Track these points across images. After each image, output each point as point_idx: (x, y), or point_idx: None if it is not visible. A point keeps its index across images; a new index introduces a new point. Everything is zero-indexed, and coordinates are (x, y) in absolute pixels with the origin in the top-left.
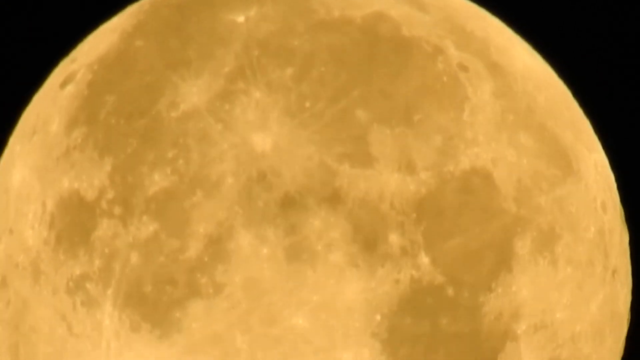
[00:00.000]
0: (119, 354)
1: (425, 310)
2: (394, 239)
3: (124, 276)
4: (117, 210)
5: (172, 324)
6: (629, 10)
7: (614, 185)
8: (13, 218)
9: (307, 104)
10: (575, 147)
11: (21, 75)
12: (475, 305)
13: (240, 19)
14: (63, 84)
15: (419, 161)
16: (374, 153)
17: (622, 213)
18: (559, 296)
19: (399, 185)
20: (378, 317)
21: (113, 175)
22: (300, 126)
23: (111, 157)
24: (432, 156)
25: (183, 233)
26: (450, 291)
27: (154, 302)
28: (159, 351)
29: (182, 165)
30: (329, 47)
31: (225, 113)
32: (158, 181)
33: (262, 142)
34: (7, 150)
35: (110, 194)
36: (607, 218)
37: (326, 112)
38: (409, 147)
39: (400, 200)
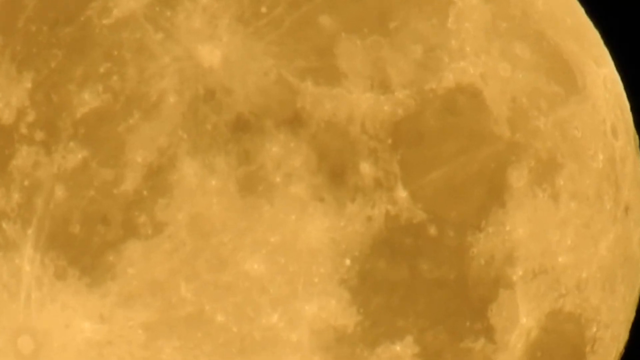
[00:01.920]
0: (41, 305)
1: (403, 252)
2: (365, 168)
3: (48, 213)
4: (40, 135)
5: (105, 269)
6: None
7: (627, 106)
8: None
9: (263, 9)
10: (581, 60)
11: None
12: (461, 246)
13: None
14: None
15: (396, 77)
16: (342, 68)
17: (637, 138)
18: (561, 236)
19: (372, 106)
20: (347, 262)
21: (34, 93)
22: (254, 36)
23: (32, 72)
24: (411, 71)
25: (117, 162)
26: (432, 230)
27: (83, 244)
28: (88, 302)
29: (117, 82)
30: None
31: (167, 20)
32: (88, 101)
33: (209, 54)
34: None
35: (30, 116)
36: (618, 144)
37: (286, 18)
38: (383, 60)
39: (373, 123)
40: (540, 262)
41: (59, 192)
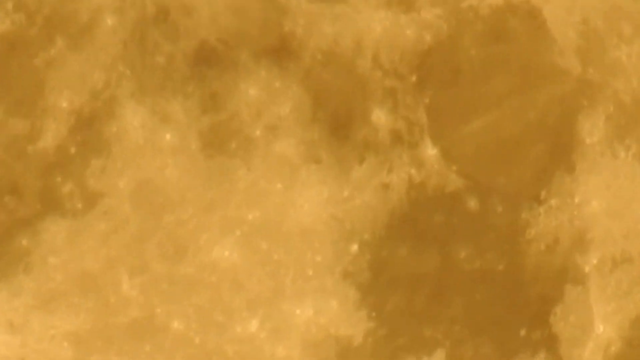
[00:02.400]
0: None
1: (432, 234)
2: (380, 117)
3: None
4: None
5: (15, 258)
6: None
7: None
8: None
9: None
10: None
11: None
12: (514, 226)
13: None
14: None
15: None
16: None
17: None
18: None
19: (389, 30)
20: (354, 248)
21: None
22: None
23: None
24: None
25: (33, 109)
26: (472, 203)
27: None
28: None
29: None
30: None
31: None
32: None
33: None
34: None
35: None
36: None
37: None
38: None
39: (391, 55)
40: (623, 248)
41: None
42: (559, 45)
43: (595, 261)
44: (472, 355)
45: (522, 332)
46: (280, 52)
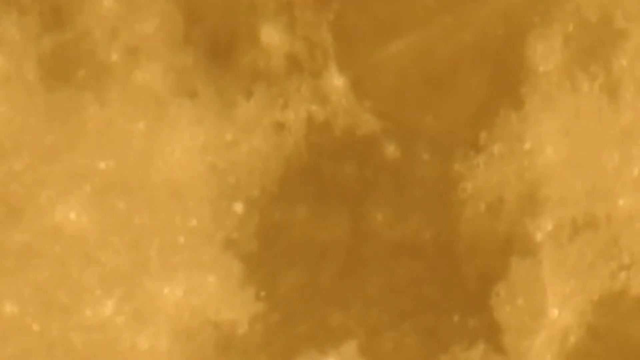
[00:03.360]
0: None
1: (340, 191)
2: (272, 36)
3: None
4: None
5: None
6: None
7: None
8: None
9: None
10: None
11: None
12: (444, 179)
13: None
14: None
15: None
16: None
17: None
18: (622, 161)
19: None
20: (239, 207)
21: None
22: None
23: None
24: None
25: None
26: (391, 149)
27: None
28: None
29: None
30: None
31: None
32: None
33: None
34: None
35: None
36: None
37: None
38: None
39: None
40: (586, 210)
41: None
42: None
43: (550, 227)
44: (392, 347)
45: (456, 319)
46: None
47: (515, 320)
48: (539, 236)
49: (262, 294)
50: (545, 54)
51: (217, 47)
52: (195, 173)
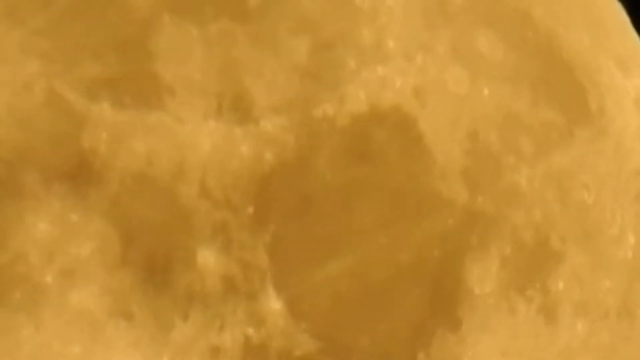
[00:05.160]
0: None
1: None
2: (208, 258)
3: None
4: None
5: None
6: None
7: None
8: None
9: None
10: (595, 63)
11: None
12: None
13: None
14: None
15: (261, 94)
16: (164, 76)
17: None
18: None
19: (220, 146)
20: None
21: None
22: (6, 18)
23: None
24: (289, 83)
25: None
26: None
27: None
28: None
29: None
30: None
31: None
32: None
33: None
34: None
35: None
36: None
37: None
38: (239, 63)
39: (222, 178)
40: None
41: None
42: (439, 166)
43: None
44: None
45: None
46: (78, 175)
47: None
48: None
49: None
50: (482, 275)
51: (153, 269)
52: None
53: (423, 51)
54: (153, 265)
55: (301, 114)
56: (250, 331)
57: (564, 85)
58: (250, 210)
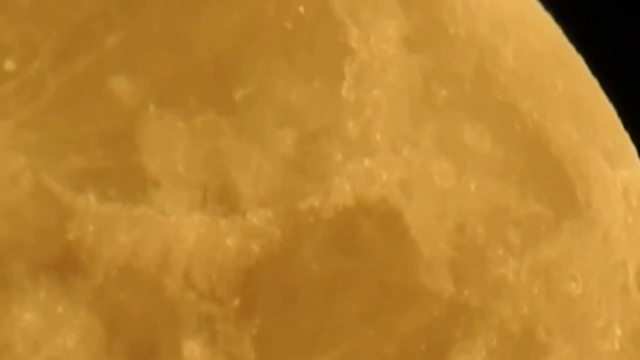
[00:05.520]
0: None
1: None
2: (193, 352)
3: None
4: None
5: None
6: None
7: None
8: None
9: (10, 65)
10: (582, 155)
11: None
12: None
13: None
14: None
15: (247, 186)
16: (150, 168)
17: None
18: None
19: (205, 238)
20: None
21: None
22: None
23: None
24: (275, 176)
25: None
26: None
27: None
28: None
29: None
30: None
31: None
32: None
33: None
34: None
35: None
36: None
37: (50, 81)
38: (224, 156)
39: (208, 271)
40: None
41: None
42: (426, 259)
43: None
44: None
45: None
46: (64, 266)
47: None
48: None
49: None
50: None
51: None
52: None
53: (409, 144)
54: (138, 357)
55: (287, 206)
56: None
57: (552, 178)
58: (236, 302)
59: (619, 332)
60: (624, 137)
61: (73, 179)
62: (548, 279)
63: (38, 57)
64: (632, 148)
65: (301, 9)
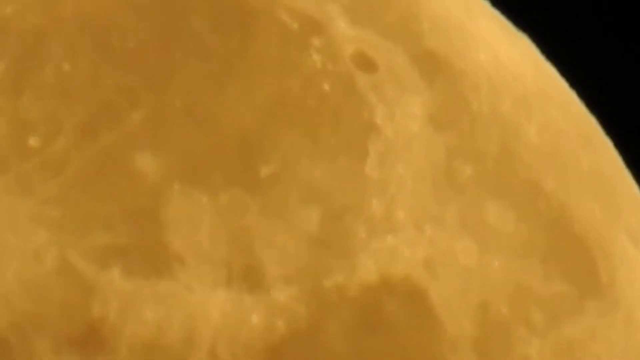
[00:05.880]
0: None
1: None
2: None
3: None
4: None
5: None
6: None
7: None
8: None
9: (33, 141)
10: (606, 234)
11: None
12: None
13: None
14: None
15: (272, 264)
16: (174, 245)
17: None
18: None
19: (230, 315)
20: None
21: None
22: (17, 188)
23: None
24: (300, 253)
25: None
26: None
27: None
28: None
29: None
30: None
31: None
32: None
33: None
34: None
35: None
36: None
37: (73, 157)
38: (249, 232)
39: (233, 347)
40: None
41: None
42: (450, 337)
43: None
44: None
45: None
46: (87, 342)
47: None
48: None
49: None
50: None
51: None
52: None
53: (432, 222)
54: None
55: (312, 283)
56: None
57: (576, 257)
58: None
59: None
60: None
61: (97, 255)
62: (572, 358)
63: (62, 134)
64: None
65: (326, 86)
